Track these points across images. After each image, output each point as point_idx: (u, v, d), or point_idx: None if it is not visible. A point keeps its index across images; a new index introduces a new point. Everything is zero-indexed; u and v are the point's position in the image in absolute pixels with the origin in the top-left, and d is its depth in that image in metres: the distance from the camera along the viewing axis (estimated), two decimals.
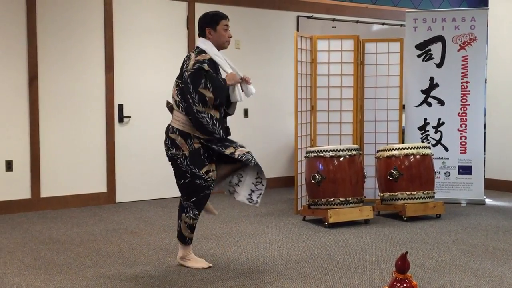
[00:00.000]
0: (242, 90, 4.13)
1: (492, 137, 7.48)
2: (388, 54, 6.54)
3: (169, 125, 4.06)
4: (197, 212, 4.08)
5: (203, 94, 3.86)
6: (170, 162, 4.10)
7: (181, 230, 4.12)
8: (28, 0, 6.17)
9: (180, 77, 4.02)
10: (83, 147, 6.53)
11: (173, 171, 4.12)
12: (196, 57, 3.97)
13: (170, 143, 4.01)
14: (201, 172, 3.99)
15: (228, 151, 4.00)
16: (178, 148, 3.99)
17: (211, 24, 4.08)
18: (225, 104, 4.09)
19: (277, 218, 5.86)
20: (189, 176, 4.00)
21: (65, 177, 6.44)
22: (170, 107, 4.11)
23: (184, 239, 4.14)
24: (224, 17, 4.12)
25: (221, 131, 3.98)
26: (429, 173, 5.79)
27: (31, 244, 4.86)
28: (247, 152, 4.05)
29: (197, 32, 7.12)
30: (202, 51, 4.02)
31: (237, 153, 4.00)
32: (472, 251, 4.56)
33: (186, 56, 4.08)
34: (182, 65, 4.04)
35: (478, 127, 6.64)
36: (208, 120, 3.89)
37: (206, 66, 3.92)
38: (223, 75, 4.13)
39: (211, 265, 4.16)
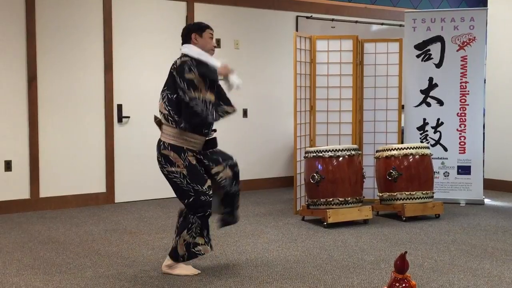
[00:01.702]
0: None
1: (491, 137, 7.49)
2: (387, 54, 6.55)
3: (160, 141, 3.93)
4: (199, 231, 3.95)
5: (191, 79, 3.77)
6: (168, 182, 3.96)
7: (176, 247, 3.95)
8: (27, 1, 6.17)
9: (169, 89, 3.89)
10: (82, 147, 6.52)
11: (172, 189, 3.98)
12: (180, 60, 3.89)
13: (163, 160, 3.88)
14: (204, 188, 3.89)
15: (214, 170, 4.00)
16: (173, 164, 3.86)
17: (197, 31, 4.02)
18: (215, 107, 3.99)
19: (276, 218, 5.86)
20: (193, 194, 3.87)
21: (64, 177, 6.43)
22: (158, 122, 3.99)
23: (177, 257, 3.98)
24: (209, 27, 4.08)
25: (215, 114, 3.85)
26: (428, 173, 5.79)
27: (30, 244, 4.86)
28: (232, 175, 4.04)
29: None
30: (186, 55, 3.93)
31: (220, 175, 4.00)
32: (471, 251, 4.56)
33: (172, 67, 3.94)
34: (170, 70, 3.92)
35: (477, 127, 6.64)
36: (202, 108, 3.76)
37: (188, 62, 3.84)
38: None
39: (199, 271, 4.04)
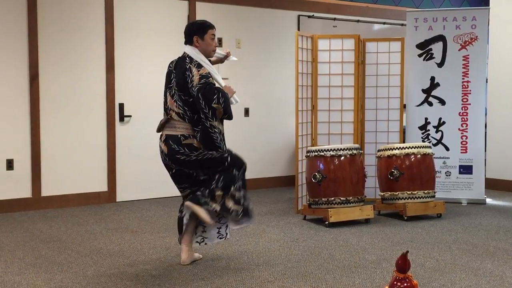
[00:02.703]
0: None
1: (493, 137, 7.48)
2: (389, 53, 6.54)
3: (175, 136, 4.02)
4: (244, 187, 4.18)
5: (215, 109, 3.90)
6: (196, 167, 4.04)
7: (224, 203, 4.04)
8: (29, 0, 6.19)
9: (181, 90, 4.00)
10: (84, 146, 6.53)
11: (203, 172, 4.08)
12: (198, 70, 3.98)
13: (187, 149, 4.00)
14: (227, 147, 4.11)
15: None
16: (197, 149, 4.00)
17: (198, 33, 4.12)
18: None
19: (277, 217, 5.86)
20: (227, 155, 4.05)
21: (65, 176, 6.44)
22: (166, 120, 4.07)
23: (229, 210, 4.08)
24: (212, 26, 4.18)
25: (224, 146, 4.04)
26: (429, 173, 5.78)
27: (32, 243, 4.86)
28: None
29: None
30: (199, 64, 4.02)
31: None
32: (472, 250, 4.56)
33: (186, 69, 4.00)
34: (184, 76, 3.99)
35: (479, 127, 6.64)
36: (218, 135, 3.96)
37: (211, 80, 3.99)
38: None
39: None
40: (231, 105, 4.05)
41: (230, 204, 4.08)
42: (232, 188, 4.07)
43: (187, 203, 4.04)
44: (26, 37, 6.20)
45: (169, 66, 4.22)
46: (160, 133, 4.16)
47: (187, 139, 4.00)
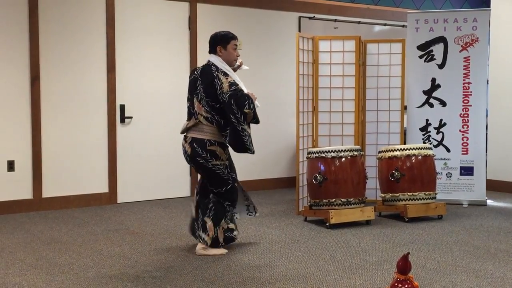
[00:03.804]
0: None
1: (494, 138, 7.48)
2: (390, 55, 6.54)
3: (201, 140, 4.32)
4: (231, 218, 4.55)
5: (247, 114, 4.23)
6: (206, 174, 4.39)
7: (217, 236, 4.43)
8: (30, 1, 6.18)
9: (209, 96, 4.29)
10: (85, 147, 6.53)
11: (207, 180, 4.42)
12: (226, 78, 4.31)
13: (209, 155, 4.32)
14: (236, 175, 4.51)
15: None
16: (218, 158, 4.35)
17: (221, 43, 4.44)
18: None
19: (278, 218, 5.86)
20: (231, 182, 4.43)
21: (66, 177, 6.44)
22: (194, 124, 4.34)
23: (218, 243, 4.46)
24: (234, 37, 4.49)
25: (252, 147, 4.35)
26: (430, 174, 5.78)
27: (33, 244, 4.86)
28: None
29: (199, 32, 7.18)
30: (225, 73, 4.35)
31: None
32: (473, 252, 4.56)
33: (213, 76, 4.30)
34: (212, 83, 4.28)
35: (480, 128, 6.63)
36: (247, 138, 4.26)
37: (239, 87, 4.30)
38: None
39: (227, 250, 4.50)
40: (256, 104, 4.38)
41: (221, 239, 4.46)
42: (223, 221, 4.45)
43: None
44: (27, 38, 6.20)
45: (193, 73, 4.50)
46: (184, 134, 4.44)
47: (212, 145, 4.32)
